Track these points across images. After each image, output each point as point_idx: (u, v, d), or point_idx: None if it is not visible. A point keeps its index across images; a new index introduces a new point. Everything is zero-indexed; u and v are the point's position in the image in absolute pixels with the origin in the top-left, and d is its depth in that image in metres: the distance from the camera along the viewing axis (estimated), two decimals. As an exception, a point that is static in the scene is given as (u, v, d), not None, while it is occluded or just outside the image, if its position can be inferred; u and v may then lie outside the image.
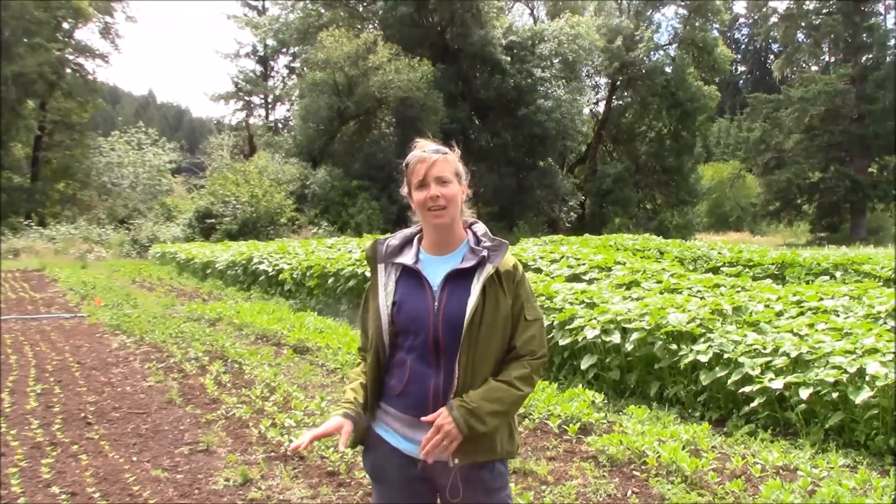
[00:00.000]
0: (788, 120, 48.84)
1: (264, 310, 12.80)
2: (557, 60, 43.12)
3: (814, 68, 56.04)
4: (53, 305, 15.28)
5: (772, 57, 78.51)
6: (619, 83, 49.91)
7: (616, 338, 6.98)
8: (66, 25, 42.33)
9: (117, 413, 6.80)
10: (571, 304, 8.26)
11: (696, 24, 50.22)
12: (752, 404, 5.89)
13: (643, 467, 5.01)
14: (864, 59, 49.27)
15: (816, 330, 6.49)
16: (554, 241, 18.91)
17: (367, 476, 2.67)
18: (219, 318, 12.24)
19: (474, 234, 2.59)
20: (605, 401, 6.69)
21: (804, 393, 5.49)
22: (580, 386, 6.94)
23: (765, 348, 6.14)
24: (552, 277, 11.20)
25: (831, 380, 5.45)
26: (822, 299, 7.97)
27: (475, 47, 40.63)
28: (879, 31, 48.67)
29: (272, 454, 5.52)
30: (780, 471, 4.90)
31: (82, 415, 6.72)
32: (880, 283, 10.80)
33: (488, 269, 2.45)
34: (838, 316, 7.22)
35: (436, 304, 2.45)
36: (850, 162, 47.36)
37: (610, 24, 47.83)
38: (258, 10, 55.18)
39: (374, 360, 2.54)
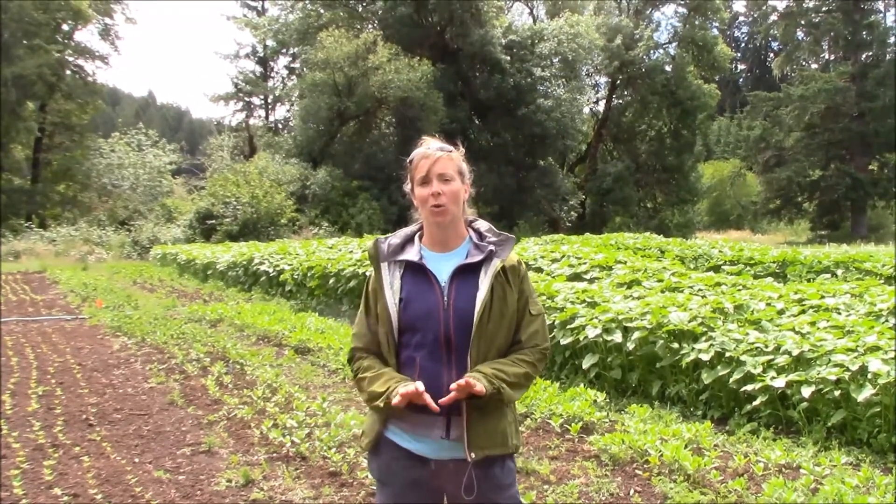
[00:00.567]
0: (789, 118, 48.82)
1: (265, 311, 12.80)
2: (557, 59, 43.09)
3: (814, 66, 56.02)
4: (54, 307, 15.28)
5: (772, 55, 78.50)
6: (618, 82, 49.88)
7: (617, 337, 6.97)
8: (65, 27, 42.32)
9: (119, 414, 6.80)
10: (573, 303, 8.25)
11: (696, 22, 50.19)
12: (755, 403, 5.88)
13: (645, 466, 5.01)
14: (864, 56, 49.25)
15: (818, 328, 6.48)
16: (555, 240, 18.89)
17: (374, 479, 2.64)
18: (220, 320, 12.24)
19: (476, 231, 2.61)
20: (607, 400, 6.69)
21: (806, 391, 5.48)
22: (582, 385, 6.94)
23: (766, 346, 6.14)
24: (553, 277, 11.20)
25: (833, 378, 5.44)
26: (823, 297, 7.96)
27: (475, 47, 40.61)
28: (879, 29, 48.66)
29: (274, 455, 5.52)
30: (783, 469, 4.90)
31: (84, 416, 6.72)
32: (881, 281, 10.77)
33: (496, 264, 2.49)
34: (840, 314, 7.21)
35: (445, 299, 2.45)
36: (850, 160, 47.34)
37: (609, 22, 47.79)
38: (257, 10, 55.17)
39: (382, 360, 2.54)
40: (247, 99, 56.57)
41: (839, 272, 12.43)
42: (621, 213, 47.77)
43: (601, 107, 53.08)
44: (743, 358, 6.07)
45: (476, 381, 2.32)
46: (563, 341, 7.53)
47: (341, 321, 12.01)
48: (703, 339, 6.56)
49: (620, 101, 52.02)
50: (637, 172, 49.41)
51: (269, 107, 58.36)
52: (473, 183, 2.63)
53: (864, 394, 5.22)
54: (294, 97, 48.55)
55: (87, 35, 57.72)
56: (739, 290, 9.01)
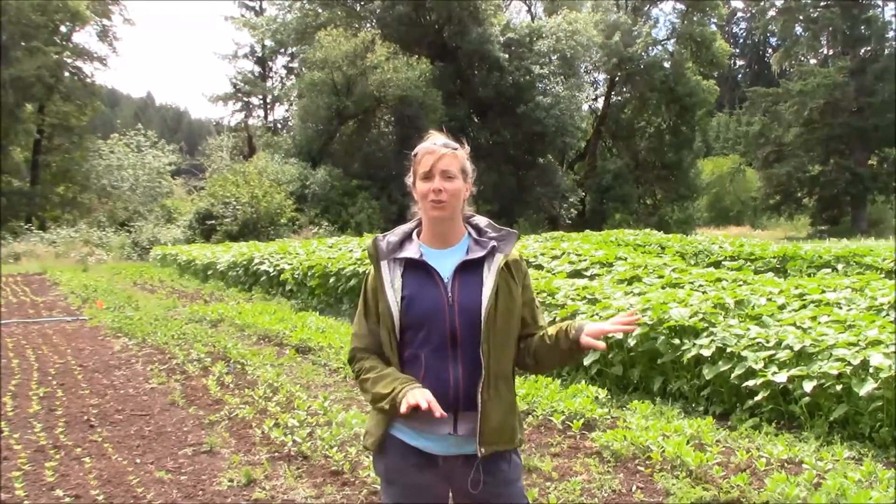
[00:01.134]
0: (788, 113, 48.79)
1: (266, 310, 12.80)
2: (556, 57, 43.06)
3: (812, 61, 55.96)
4: (55, 309, 15.28)
5: (770, 51, 78.49)
6: (617, 79, 49.84)
7: (618, 333, 6.95)
8: (63, 29, 42.28)
9: (120, 415, 6.80)
10: (573, 300, 8.26)
11: (694, 18, 50.20)
12: (756, 398, 5.88)
13: (648, 462, 5.01)
14: (862, 51, 49.20)
15: (819, 322, 6.47)
16: (555, 237, 18.89)
17: (380, 478, 2.63)
18: (221, 320, 12.24)
19: (475, 227, 2.61)
20: (609, 396, 6.69)
21: (808, 386, 5.47)
22: (583, 382, 6.94)
23: (768, 342, 6.13)
24: (553, 274, 11.20)
25: (835, 372, 5.43)
26: (824, 292, 7.95)
27: (473, 45, 40.58)
28: (878, 24, 48.64)
29: (276, 454, 5.52)
30: (785, 464, 4.90)
31: (85, 417, 6.71)
32: (882, 275, 10.77)
33: (499, 259, 2.49)
34: (841, 308, 7.20)
35: (449, 296, 2.46)
36: (849, 154, 47.32)
37: (608, 19, 47.77)
38: (255, 10, 55.21)
39: (383, 359, 2.53)
40: (245, 99, 56.62)
41: (840, 267, 12.42)
42: (621, 210, 47.77)
43: (600, 104, 53.05)
44: (744, 353, 6.06)
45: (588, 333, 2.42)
46: (564, 338, 7.50)
47: (342, 320, 12.02)
48: (705, 334, 6.55)
49: (619, 98, 52.01)
50: (636, 169, 49.43)
51: (268, 107, 58.42)
52: (473, 181, 2.63)
53: (866, 388, 5.21)
54: (293, 97, 48.59)
55: (85, 36, 58.00)
56: (740, 285, 9.00)
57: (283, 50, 51.87)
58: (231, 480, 5.03)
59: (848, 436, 5.44)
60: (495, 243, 2.52)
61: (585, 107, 50.75)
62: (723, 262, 13.79)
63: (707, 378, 6.24)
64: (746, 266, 13.00)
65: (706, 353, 6.26)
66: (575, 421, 5.81)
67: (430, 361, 2.46)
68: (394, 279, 2.50)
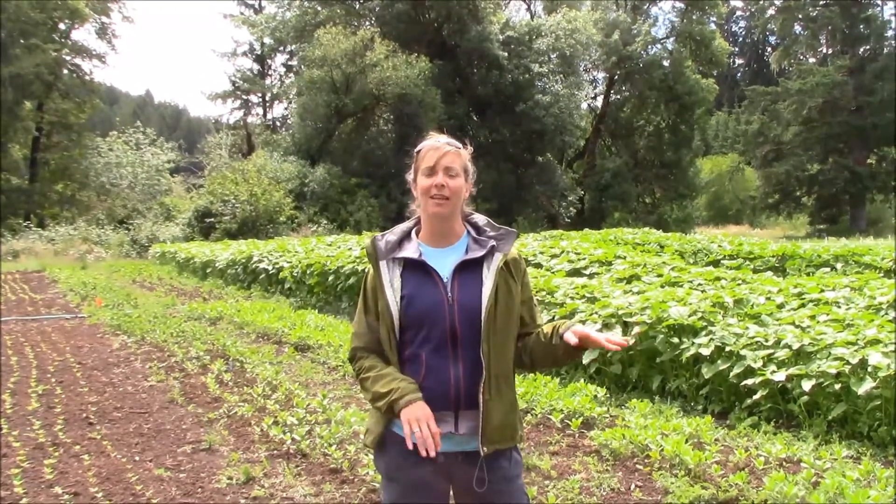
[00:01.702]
0: (787, 112, 48.78)
1: (265, 308, 12.81)
2: (555, 55, 43.06)
3: (811, 60, 55.98)
4: (54, 306, 15.28)
5: (769, 49, 78.36)
6: (616, 77, 49.84)
7: (618, 332, 6.96)
8: (62, 26, 42.21)
9: (119, 413, 6.80)
10: (572, 298, 8.26)
11: (693, 17, 50.19)
12: (755, 397, 5.88)
13: (646, 461, 5.01)
14: (861, 50, 49.22)
15: (818, 321, 6.48)
16: (553, 236, 18.89)
17: (381, 476, 2.63)
18: (219, 317, 12.24)
19: (474, 225, 2.61)
20: (608, 395, 6.70)
21: (806, 385, 5.48)
22: (582, 380, 6.93)
23: (767, 340, 6.13)
24: (553, 272, 11.20)
25: (833, 371, 5.44)
26: (823, 291, 7.96)
27: (472, 43, 40.56)
28: (877, 23, 48.64)
29: (275, 452, 5.52)
30: (784, 463, 4.91)
31: (84, 415, 6.71)
32: (881, 274, 10.77)
33: (499, 258, 2.50)
34: (840, 307, 7.21)
35: (449, 295, 2.46)
36: (848, 153, 47.32)
37: (607, 18, 47.76)
38: (255, 8, 55.12)
39: (383, 358, 2.54)
40: (244, 97, 56.62)
41: (838, 266, 12.43)
42: (620, 209, 47.78)
43: (599, 102, 53.03)
44: (743, 352, 6.07)
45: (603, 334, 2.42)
46: (564, 337, 7.51)
47: (341, 318, 12.02)
48: (703, 333, 6.56)
49: (618, 97, 51.99)
50: (635, 168, 49.44)
51: (267, 104, 58.43)
52: (473, 181, 2.63)
53: (865, 387, 5.22)
54: (292, 95, 48.57)
55: (84, 34, 57.94)
56: (739, 284, 9.01)
57: (282, 48, 51.84)
58: (230, 478, 5.03)
59: (846, 435, 5.45)
60: (494, 242, 2.53)
61: (584, 105, 50.80)
62: (722, 261, 13.80)
63: (706, 377, 6.24)
64: (745, 265, 13.00)
65: (705, 351, 6.27)
66: (574, 419, 5.82)
67: (431, 360, 2.46)
68: (393, 279, 2.50)
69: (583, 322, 7.34)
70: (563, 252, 13.07)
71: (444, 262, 2.51)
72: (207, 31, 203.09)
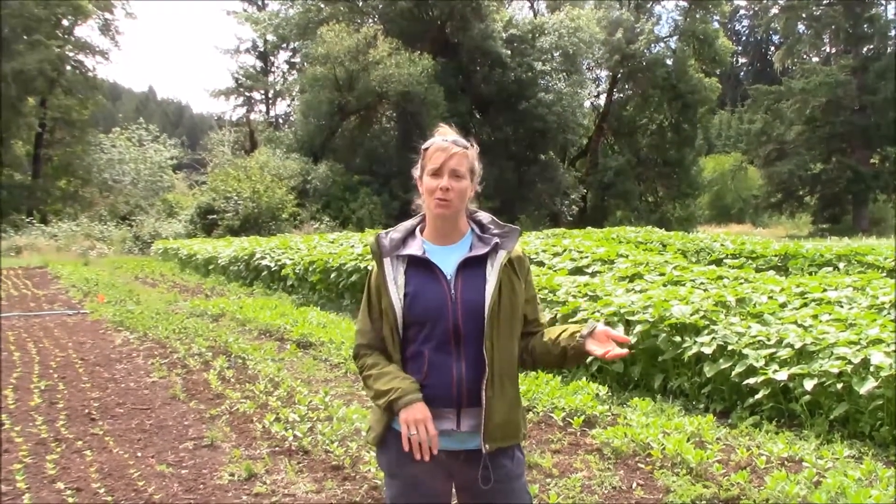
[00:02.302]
0: (790, 111, 48.77)
1: (267, 305, 12.81)
2: (558, 53, 43.00)
3: (815, 59, 55.94)
4: (56, 302, 15.29)
5: (773, 48, 78.30)
6: (619, 76, 49.81)
7: (620, 331, 6.95)
8: (65, 22, 42.26)
9: (121, 409, 6.81)
10: (574, 297, 8.26)
11: (697, 15, 50.12)
12: (757, 396, 5.88)
13: (648, 459, 5.01)
14: (865, 49, 49.15)
15: (820, 321, 6.47)
16: (556, 234, 18.88)
17: (383, 472, 2.64)
18: (222, 314, 12.25)
19: (478, 223, 2.61)
20: (609, 393, 6.70)
21: (808, 384, 5.48)
22: (584, 379, 6.94)
23: (769, 340, 6.13)
24: (555, 270, 11.20)
25: (836, 371, 5.43)
26: (825, 290, 7.95)
27: (475, 41, 40.53)
28: (880, 22, 48.57)
29: (276, 449, 5.52)
30: (786, 462, 4.91)
31: (86, 411, 6.72)
32: (884, 274, 10.75)
33: (502, 256, 2.50)
34: (842, 307, 7.20)
35: (452, 292, 2.46)
36: (851, 153, 47.26)
37: (610, 16, 47.68)
38: (258, 5, 55.17)
39: (386, 356, 2.54)
40: (247, 94, 56.67)
41: (841, 265, 12.41)
42: (622, 207, 47.78)
43: (602, 101, 53.04)
44: (745, 351, 6.06)
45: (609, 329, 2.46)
46: (565, 335, 7.50)
47: (343, 315, 12.02)
48: (706, 332, 6.55)
49: (621, 95, 51.97)
50: (638, 166, 49.41)
51: (270, 102, 58.47)
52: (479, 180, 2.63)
53: (867, 386, 5.21)
54: (295, 92, 48.63)
55: (87, 30, 58.05)
56: (741, 283, 9.01)
57: (285, 45, 51.88)
58: (232, 474, 5.03)
59: (848, 434, 5.44)
60: (498, 240, 2.52)
61: (587, 103, 50.73)
62: (724, 260, 13.79)
63: (708, 376, 6.24)
64: (748, 264, 12.99)
65: (707, 350, 6.27)
66: (575, 418, 5.82)
67: (434, 358, 2.46)
68: (397, 276, 2.51)
69: (584, 320, 7.35)
70: (565, 250, 13.06)
71: (448, 260, 2.51)
72: (210, 28, 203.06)
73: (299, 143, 40.21)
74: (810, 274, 11.76)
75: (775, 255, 13.54)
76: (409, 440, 2.36)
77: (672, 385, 6.70)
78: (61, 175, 43.12)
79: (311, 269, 14.39)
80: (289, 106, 56.69)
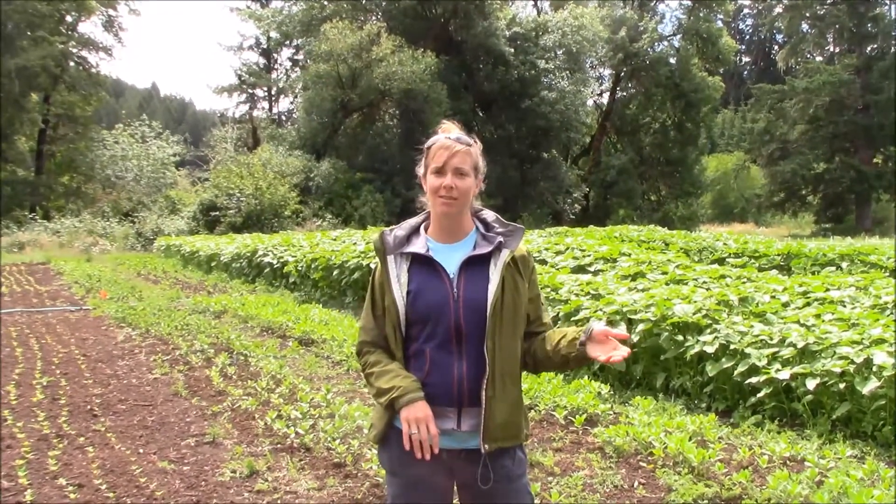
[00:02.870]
0: (793, 111, 48.73)
1: (269, 302, 12.82)
2: (561, 52, 42.97)
3: (818, 59, 55.87)
4: (59, 298, 15.30)
5: (776, 47, 78.32)
6: (622, 74, 49.77)
7: (622, 329, 6.94)
8: (69, 18, 42.26)
9: (123, 405, 6.81)
10: (577, 295, 8.25)
11: (700, 14, 50.08)
12: (759, 395, 5.88)
13: (650, 458, 5.01)
14: (868, 49, 49.13)
15: (823, 320, 6.46)
16: (559, 232, 18.88)
17: (385, 470, 2.64)
18: (224, 311, 12.25)
19: (483, 221, 2.61)
20: (611, 392, 6.69)
21: (811, 383, 5.47)
22: (586, 377, 6.94)
23: (771, 339, 6.12)
24: (557, 269, 11.18)
25: (838, 370, 5.43)
26: (828, 290, 7.94)
27: (478, 39, 40.51)
28: (884, 21, 48.52)
29: (278, 446, 5.52)
30: (788, 461, 4.90)
31: (88, 407, 6.73)
32: (887, 274, 10.75)
33: (506, 254, 2.49)
34: (845, 306, 7.19)
35: (455, 291, 2.46)
36: (854, 152, 47.26)
37: (614, 14, 47.64)
38: (261, 2, 55.12)
39: (389, 354, 2.54)
40: (250, 91, 56.67)
41: (844, 265, 12.40)
42: (625, 206, 47.77)
43: (605, 99, 53.01)
44: (747, 350, 6.06)
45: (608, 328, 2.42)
46: (568, 333, 7.50)
47: (345, 313, 12.03)
48: (708, 331, 6.55)
49: (624, 94, 51.92)
50: (641, 165, 49.40)
51: (273, 98, 58.48)
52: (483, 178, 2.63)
53: (869, 386, 5.21)
54: (297, 89, 48.59)
55: (90, 27, 58.12)
56: (744, 282, 9.00)
57: (288, 42, 51.84)
58: (234, 471, 5.04)
59: (850, 434, 5.44)
60: (502, 239, 2.52)
61: (590, 102, 50.76)
62: (727, 259, 13.78)
63: (710, 375, 6.24)
64: (750, 263, 12.99)
65: (709, 349, 6.26)
66: (577, 416, 5.82)
67: (435, 356, 2.46)
68: (400, 273, 2.50)
69: (587, 319, 7.35)
70: (567, 249, 13.05)
71: (452, 258, 2.50)
72: (213, 25, 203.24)
73: (302, 141, 40.20)
74: (813, 273, 11.76)
75: (778, 255, 13.53)
76: (410, 439, 2.36)
77: (674, 384, 6.70)
78: (64, 171, 43.14)
79: (313, 266, 14.39)
80: (292, 103, 56.74)
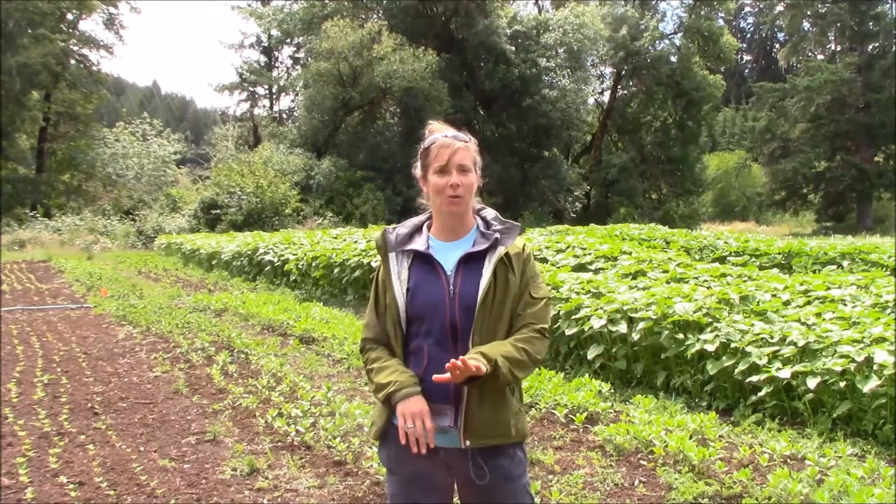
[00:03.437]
0: (794, 109, 48.70)
1: (270, 300, 12.82)
2: (562, 50, 42.96)
3: (820, 57, 55.79)
4: (60, 296, 15.31)
5: (777, 46, 78.23)
6: (624, 72, 49.72)
7: (622, 327, 6.96)
8: (70, 16, 42.30)
9: (124, 403, 6.82)
10: (578, 293, 8.25)
11: (702, 12, 49.99)
12: (760, 394, 5.88)
13: (650, 456, 5.01)
14: (870, 47, 49.04)
15: (824, 319, 6.46)
16: (559, 231, 18.89)
17: (384, 467, 2.65)
18: (224, 309, 12.25)
19: (483, 219, 2.61)
20: (612, 390, 6.69)
21: (812, 382, 5.47)
22: (586, 375, 6.93)
23: (772, 337, 6.12)
24: (558, 267, 11.18)
25: (839, 369, 5.43)
26: (829, 288, 7.94)
27: (480, 37, 40.51)
28: (886, 20, 48.39)
29: (279, 444, 5.53)
30: (788, 460, 4.90)
31: (89, 405, 6.73)
32: (888, 273, 10.74)
33: (499, 251, 2.49)
34: (846, 305, 7.19)
35: (451, 288, 2.46)
36: (855, 151, 47.23)
37: (615, 13, 47.61)
38: (262, 0, 55.09)
39: (390, 350, 2.54)
40: (251, 89, 56.66)
41: (845, 263, 12.41)
42: (626, 204, 47.72)
43: (606, 97, 52.90)
44: (748, 349, 6.06)
45: (472, 359, 2.29)
46: (568, 332, 7.53)
47: (346, 311, 12.04)
48: (709, 329, 6.55)
49: (625, 92, 51.88)
50: (642, 163, 49.37)
51: (274, 97, 58.47)
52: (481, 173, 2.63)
53: (870, 385, 5.21)
54: (298, 87, 48.52)
55: (91, 24, 58.13)
56: (745, 281, 8.99)
57: (289, 40, 51.83)
58: (234, 469, 5.04)
59: (851, 433, 5.44)
60: (498, 235, 2.52)
61: (591, 100, 50.70)
62: (728, 258, 13.79)
63: (710, 373, 6.24)
64: (751, 262, 12.99)
65: (710, 348, 6.26)
66: (578, 414, 5.82)
67: (433, 353, 2.46)
68: (401, 271, 2.51)
69: (587, 317, 7.35)
70: (568, 247, 13.06)
71: (451, 256, 2.51)
72: (215, 23, 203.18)
73: (303, 139, 40.20)
74: (814, 272, 11.76)
75: (779, 253, 13.54)
76: (406, 433, 2.36)
77: (675, 382, 6.70)
78: (65, 169, 43.17)
79: (314, 264, 14.40)
80: (292, 101, 56.72)
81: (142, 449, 5.54)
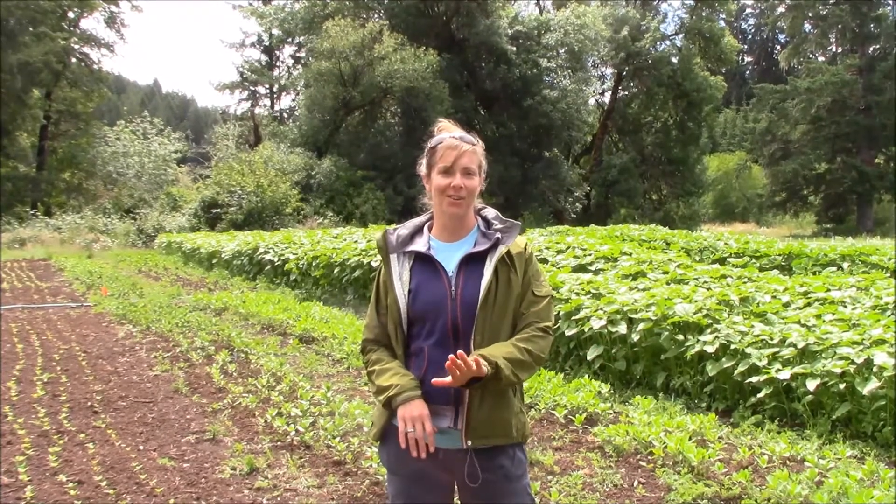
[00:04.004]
0: (795, 111, 48.71)
1: (270, 300, 12.82)
2: (563, 50, 42.92)
3: (821, 59, 55.89)
4: (59, 295, 15.31)
5: (778, 47, 78.26)
6: (625, 73, 49.70)
7: (622, 328, 6.96)
8: (71, 14, 42.31)
9: (124, 402, 6.82)
10: (578, 294, 8.24)
11: (703, 13, 50.01)
12: (759, 395, 5.88)
13: (649, 457, 5.01)
14: (871, 49, 49.08)
15: (824, 321, 6.46)
16: (560, 231, 18.89)
17: (385, 468, 2.65)
18: (225, 308, 12.25)
19: (484, 219, 2.61)
20: (612, 391, 6.69)
21: (811, 384, 5.47)
22: (586, 376, 6.93)
23: (772, 339, 6.12)
24: (558, 268, 11.18)
25: (838, 370, 5.43)
26: (829, 290, 7.94)
27: (481, 37, 40.48)
28: (887, 22, 48.44)
29: (278, 443, 5.53)
30: (787, 462, 4.90)
31: (89, 403, 6.73)
32: (888, 275, 10.73)
33: (500, 250, 2.49)
34: (846, 307, 7.19)
35: (452, 288, 2.46)
36: (856, 153, 47.27)
37: (616, 13, 47.56)
38: (263, -1, 55.08)
39: (391, 352, 2.54)
40: (252, 88, 56.61)
41: (845, 265, 12.40)
42: (626, 205, 47.73)
43: (607, 98, 52.86)
44: (748, 350, 6.05)
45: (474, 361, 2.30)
46: (568, 332, 7.52)
47: (346, 310, 12.03)
48: (708, 331, 6.55)
49: (626, 93, 51.87)
50: (642, 164, 49.33)
51: (275, 96, 58.42)
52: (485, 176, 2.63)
53: (870, 387, 5.21)
54: (299, 86, 48.47)
55: (92, 23, 57.83)
56: (745, 282, 8.99)
57: (290, 39, 51.74)
58: (233, 468, 5.04)
59: (850, 434, 5.44)
60: (499, 235, 2.52)
61: (592, 101, 50.69)
62: (728, 259, 13.78)
63: (710, 374, 6.24)
64: (751, 263, 12.99)
65: (710, 349, 6.26)
66: (577, 415, 5.82)
67: (434, 355, 2.46)
68: (402, 272, 2.51)
69: (587, 318, 7.35)
70: (568, 248, 13.05)
71: (453, 256, 2.51)
72: (216, 22, 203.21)
73: (303, 138, 40.17)
74: (814, 273, 11.75)
75: (779, 255, 13.53)
76: (406, 437, 2.36)
77: (674, 383, 6.70)
78: (66, 167, 43.17)
79: (314, 264, 14.40)
80: (293, 100, 56.63)
81: (141, 448, 5.54)
